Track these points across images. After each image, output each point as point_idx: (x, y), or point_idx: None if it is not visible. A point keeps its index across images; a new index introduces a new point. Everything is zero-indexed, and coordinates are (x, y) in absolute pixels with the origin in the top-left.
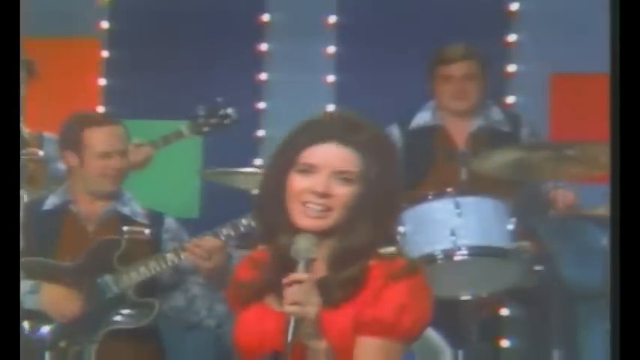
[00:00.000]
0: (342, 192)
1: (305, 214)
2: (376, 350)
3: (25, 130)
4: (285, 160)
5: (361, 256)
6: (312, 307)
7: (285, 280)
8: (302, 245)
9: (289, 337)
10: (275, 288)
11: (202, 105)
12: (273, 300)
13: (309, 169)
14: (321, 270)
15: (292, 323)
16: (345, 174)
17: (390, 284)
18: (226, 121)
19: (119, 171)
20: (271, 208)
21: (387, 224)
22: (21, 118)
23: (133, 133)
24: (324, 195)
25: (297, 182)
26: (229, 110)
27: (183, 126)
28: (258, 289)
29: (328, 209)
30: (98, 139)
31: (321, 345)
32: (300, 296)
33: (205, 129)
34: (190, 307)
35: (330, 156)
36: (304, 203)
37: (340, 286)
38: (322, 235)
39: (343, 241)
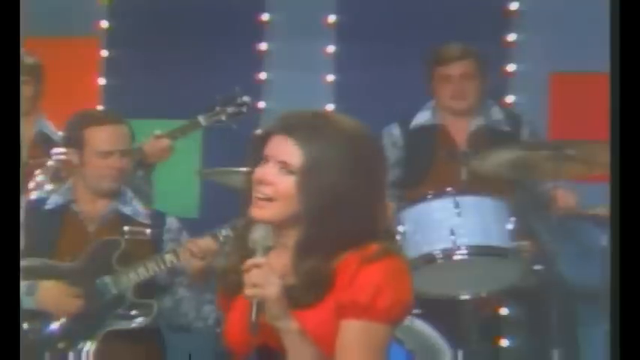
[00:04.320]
0: (284, 182)
1: (255, 205)
2: (356, 332)
3: (57, 131)
4: (257, 158)
5: (326, 248)
6: (271, 287)
7: (244, 266)
8: (258, 234)
9: (253, 318)
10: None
11: (219, 94)
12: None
13: (264, 161)
14: (286, 259)
15: (254, 305)
16: (286, 166)
17: (364, 267)
18: (244, 109)
19: (119, 170)
20: None
21: (360, 220)
22: (49, 120)
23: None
24: (267, 182)
25: (254, 175)
26: (246, 98)
27: (200, 116)
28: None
29: (269, 199)
30: (99, 137)
31: (292, 325)
32: (258, 279)
33: (223, 117)
34: (178, 309)
35: (275, 146)
36: (255, 194)
37: (306, 287)
38: (279, 226)
39: (308, 231)
